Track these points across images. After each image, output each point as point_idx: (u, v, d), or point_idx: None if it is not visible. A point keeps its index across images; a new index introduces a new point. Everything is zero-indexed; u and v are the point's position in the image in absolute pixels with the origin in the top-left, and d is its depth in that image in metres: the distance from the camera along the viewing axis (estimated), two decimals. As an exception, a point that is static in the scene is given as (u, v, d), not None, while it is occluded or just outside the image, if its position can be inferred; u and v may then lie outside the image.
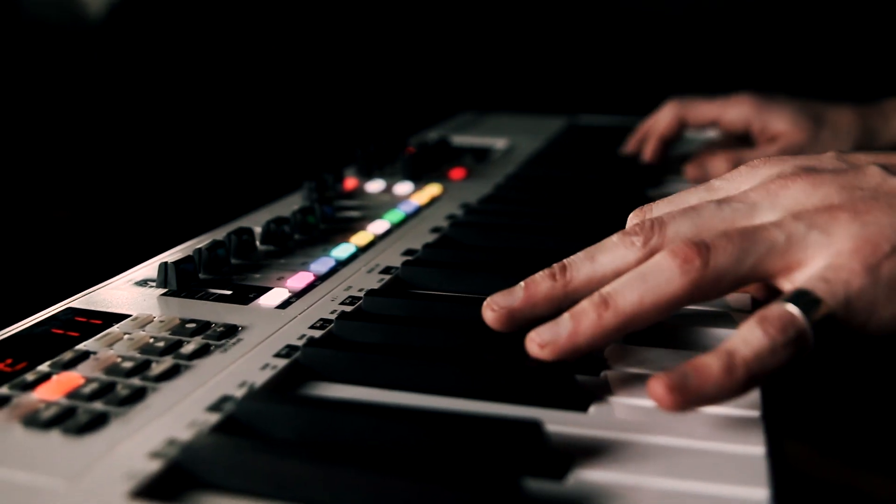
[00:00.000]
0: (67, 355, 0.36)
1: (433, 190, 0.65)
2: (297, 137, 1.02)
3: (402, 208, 0.60)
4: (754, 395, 0.32)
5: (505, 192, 0.66)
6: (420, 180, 0.68)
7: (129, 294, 0.44)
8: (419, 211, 0.60)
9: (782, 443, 0.31)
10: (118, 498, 0.26)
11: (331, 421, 0.30)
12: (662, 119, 0.76)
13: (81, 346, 0.37)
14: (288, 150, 0.99)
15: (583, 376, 0.34)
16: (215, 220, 0.57)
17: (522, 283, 0.37)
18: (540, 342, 0.34)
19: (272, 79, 1.03)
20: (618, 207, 0.60)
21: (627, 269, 0.35)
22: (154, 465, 0.28)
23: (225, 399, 0.32)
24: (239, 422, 0.31)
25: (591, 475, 0.28)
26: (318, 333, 0.38)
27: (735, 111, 0.73)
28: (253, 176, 0.92)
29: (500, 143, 0.87)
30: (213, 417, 0.31)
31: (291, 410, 0.30)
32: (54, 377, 0.34)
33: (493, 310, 0.36)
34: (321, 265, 0.47)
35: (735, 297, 0.42)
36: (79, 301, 0.43)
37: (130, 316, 0.40)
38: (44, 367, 0.35)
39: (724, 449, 0.29)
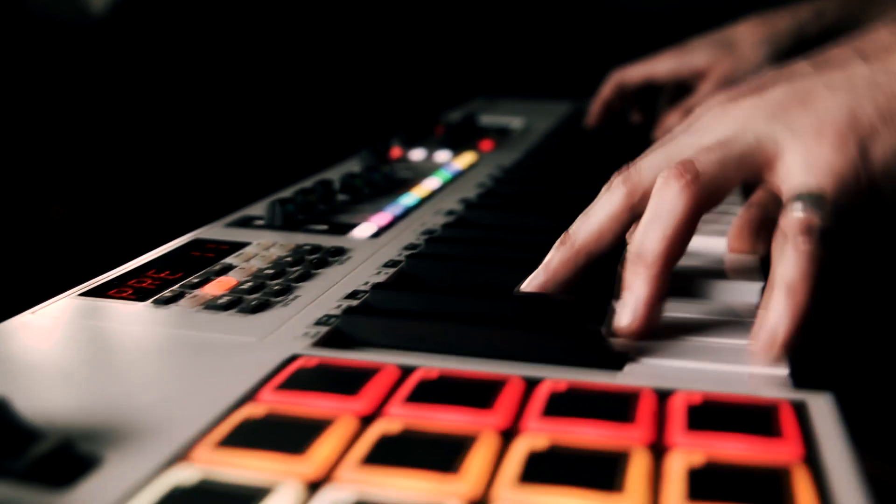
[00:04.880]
0: (216, 266, 0.45)
1: (469, 157, 0.75)
2: (342, 118, 1.11)
3: (447, 170, 0.69)
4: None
5: (533, 159, 0.75)
6: (456, 150, 0.77)
7: (242, 229, 0.52)
8: (462, 173, 0.69)
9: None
10: (304, 346, 0.35)
11: (445, 300, 0.39)
12: (604, 88, 0.88)
13: (224, 261, 0.46)
14: (333, 128, 1.08)
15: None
16: (283, 181, 0.65)
17: (545, 263, 0.40)
18: (621, 329, 0.35)
19: (311, 81, 1.12)
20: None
21: (619, 212, 0.38)
22: (321, 329, 0.37)
23: (356, 292, 0.41)
24: (371, 305, 0.40)
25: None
26: (408, 252, 0.47)
27: (661, 65, 0.85)
28: (299, 150, 1.01)
29: (515, 123, 0.96)
30: (353, 302, 0.40)
31: (414, 295, 0.39)
32: (213, 280, 0.43)
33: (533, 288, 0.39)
34: (395, 209, 0.56)
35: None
36: (201, 233, 0.51)
37: (251, 243, 0.49)
38: (200, 275, 0.44)
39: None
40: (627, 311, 0.35)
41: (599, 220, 0.39)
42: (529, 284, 0.40)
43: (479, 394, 0.30)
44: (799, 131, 0.36)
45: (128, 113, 0.85)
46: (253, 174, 0.97)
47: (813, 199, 0.35)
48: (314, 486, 0.25)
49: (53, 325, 0.38)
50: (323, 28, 1.13)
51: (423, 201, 0.59)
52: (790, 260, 0.33)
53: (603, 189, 0.40)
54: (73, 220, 0.78)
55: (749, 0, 1.19)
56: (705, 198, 0.36)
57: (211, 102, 0.96)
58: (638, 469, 0.25)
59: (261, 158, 1.01)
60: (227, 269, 0.44)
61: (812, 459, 0.25)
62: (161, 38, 0.91)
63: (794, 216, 0.35)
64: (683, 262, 0.38)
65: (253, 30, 1.04)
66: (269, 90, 1.06)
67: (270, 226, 0.52)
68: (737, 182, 0.38)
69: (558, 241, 0.40)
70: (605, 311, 0.37)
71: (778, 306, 0.32)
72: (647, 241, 0.36)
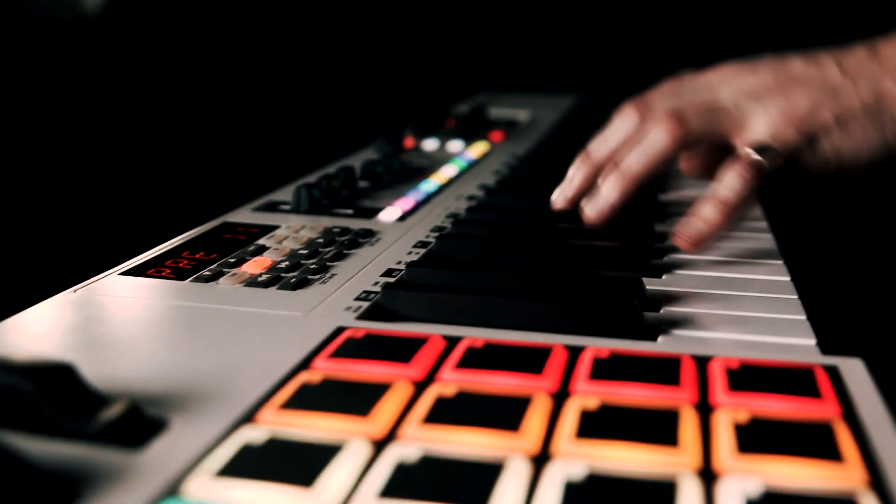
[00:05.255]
0: (250, 247, 0.46)
1: (482, 147, 0.76)
2: (347, 111, 1.12)
3: (462, 159, 0.70)
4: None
5: (546, 148, 0.76)
6: (468, 140, 0.78)
7: (269, 213, 0.53)
8: (476, 162, 0.71)
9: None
10: (349, 319, 0.36)
11: (479, 275, 0.40)
12: None
13: (257, 243, 0.47)
14: (339, 120, 1.09)
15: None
16: (293, 171, 0.66)
17: (568, 178, 0.51)
18: (590, 212, 0.48)
19: (315, 75, 1.13)
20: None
21: (630, 135, 0.48)
22: (362, 304, 0.38)
23: (391, 270, 0.42)
24: (409, 281, 0.41)
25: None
26: (437, 234, 0.48)
27: None
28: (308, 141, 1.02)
29: (522, 115, 0.98)
30: (390, 279, 0.41)
31: (448, 271, 0.41)
32: (250, 260, 0.44)
33: (560, 201, 0.51)
34: (418, 194, 0.57)
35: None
36: (229, 218, 0.52)
37: (280, 226, 0.50)
38: (235, 255, 0.45)
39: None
40: (595, 204, 0.48)
41: (616, 141, 0.49)
42: (562, 194, 0.51)
43: (526, 360, 0.31)
44: (770, 111, 0.47)
45: (148, 107, 0.86)
46: (265, 164, 0.99)
47: (764, 149, 0.46)
48: (380, 445, 0.26)
49: (100, 301, 0.38)
50: (312, 30, 1.15)
51: (443, 187, 0.60)
52: (731, 182, 0.44)
53: (617, 114, 0.50)
54: (97, 209, 0.79)
55: (745, 1, 1.21)
56: (684, 142, 0.47)
57: (221, 97, 0.97)
58: (689, 425, 0.26)
59: (272, 149, 1.02)
60: (261, 250, 0.45)
61: (850, 418, 0.27)
62: (180, 31, 0.91)
63: (749, 154, 0.45)
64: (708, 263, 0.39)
65: (269, 24, 1.05)
66: (272, 87, 1.07)
67: (297, 210, 0.53)
68: (712, 136, 0.48)
69: (579, 159, 0.51)
70: (639, 286, 0.39)
71: (709, 216, 0.44)
72: (631, 160, 0.47)
